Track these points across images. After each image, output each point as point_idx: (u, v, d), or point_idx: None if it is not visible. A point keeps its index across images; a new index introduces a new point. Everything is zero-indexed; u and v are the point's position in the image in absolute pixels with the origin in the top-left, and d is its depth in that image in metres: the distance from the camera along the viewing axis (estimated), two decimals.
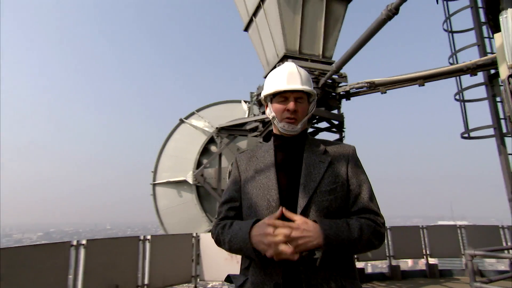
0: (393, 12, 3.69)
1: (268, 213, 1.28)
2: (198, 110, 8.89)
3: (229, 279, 1.44)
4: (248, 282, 1.31)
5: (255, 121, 7.02)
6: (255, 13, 7.09)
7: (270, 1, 6.45)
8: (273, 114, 1.42)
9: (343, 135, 6.47)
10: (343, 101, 6.78)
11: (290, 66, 1.45)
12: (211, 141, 8.31)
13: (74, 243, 4.68)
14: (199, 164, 8.12)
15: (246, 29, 7.70)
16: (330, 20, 6.51)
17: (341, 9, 6.62)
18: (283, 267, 1.24)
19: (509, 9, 2.44)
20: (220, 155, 7.71)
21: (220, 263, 5.96)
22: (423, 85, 6.23)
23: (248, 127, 7.42)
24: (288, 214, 1.21)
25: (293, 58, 6.23)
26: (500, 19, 2.92)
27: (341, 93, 6.43)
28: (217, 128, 7.69)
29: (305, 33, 6.40)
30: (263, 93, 1.48)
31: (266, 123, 6.76)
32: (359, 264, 7.82)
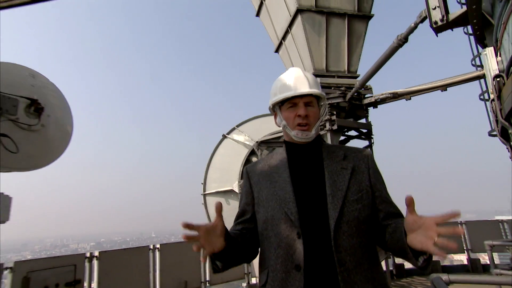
0: (402, 41, 4.35)
1: (286, 227, 1.22)
2: (238, 125, 9.86)
3: None
4: None
5: None
6: (284, 37, 7.92)
7: (297, 27, 7.25)
8: (284, 122, 1.38)
9: (372, 141, 7.07)
10: (371, 108, 7.39)
11: (295, 71, 1.41)
12: (252, 153, 9.22)
13: (151, 247, 5.76)
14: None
15: (276, 51, 8.55)
16: (353, 38, 7.17)
17: (362, 26, 7.25)
18: (305, 277, 1.16)
19: (487, 48, 2.98)
20: None
21: None
22: (446, 90, 6.68)
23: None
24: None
25: (321, 76, 6.97)
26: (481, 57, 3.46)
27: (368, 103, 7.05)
28: (256, 142, 8.60)
29: (330, 52, 7.11)
30: (271, 102, 1.43)
31: None
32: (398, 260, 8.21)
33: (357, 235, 1.19)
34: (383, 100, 7.12)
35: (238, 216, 1.42)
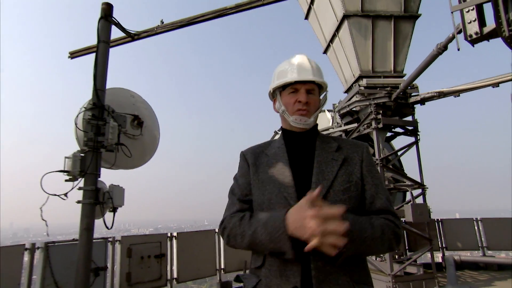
0: (442, 49, 4.72)
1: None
2: None
3: (238, 279, 1.37)
4: (261, 284, 1.21)
5: (339, 131, 8.36)
6: (331, 40, 8.40)
7: (344, 31, 7.70)
8: (283, 107, 1.36)
9: (418, 138, 7.34)
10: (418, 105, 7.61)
11: (300, 57, 1.39)
12: None
13: (216, 230, 6.80)
14: None
15: (325, 52, 9.06)
16: (399, 39, 7.44)
17: (409, 27, 7.47)
18: (302, 268, 1.14)
19: None
20: None
21: None
22: (498, 86, 6.70)
23: (332, 135, 8.77)
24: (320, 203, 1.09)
25: (368, 77, 7.38)
26: None
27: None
28: None
29: (377, 54, 7.47)
30: (272, 86, 1.41)
31: (348, 132, 8.04)
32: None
33: None
34: (430, 97, 7.32)
35: (239, 194, 1.36)
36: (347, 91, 8.39)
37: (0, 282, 3.90)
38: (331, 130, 8.67)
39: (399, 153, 7.86)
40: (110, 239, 5.20)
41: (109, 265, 5.01)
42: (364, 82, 7.36)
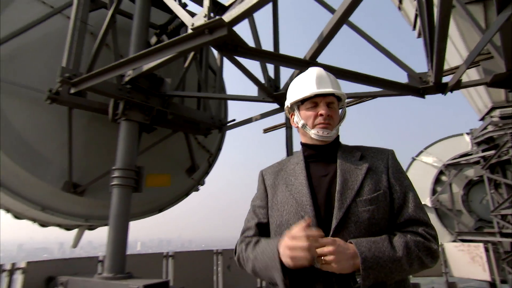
0: None
1: None
2: (425, 148, 11.46)
3: None
4: None
5: (477, 157, 8.99)
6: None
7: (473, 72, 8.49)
8: (302, 121, 1.30)
9: None
10: None
11: (317, 70, 1.34)
12: (441, 172, 10.63)
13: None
14: (434, 191, 10.64)
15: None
16: None
17: None
18: None
19: None
20: (450, 184, 9.99)
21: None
22: None
23: (471, 160, 9.37)
24: (322, 240, 1.04)
25: (501, 107, 7.95)
26: None
27: None
28: (443, 164, 10.08)
29: None
30: (289, 101, 1.36)
31: (486, 159, 8.62)
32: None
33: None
34: None
35: (253, 218, 1.35)
36: (482, 119, 8.93)
37: None
38: (469, 157, 9.33)
39: None
40: None
41: None
42: (497, 113, 7.95)
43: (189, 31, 2.19)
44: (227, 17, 2.04)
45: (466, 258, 7.07)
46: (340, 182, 1.18)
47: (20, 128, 3.51)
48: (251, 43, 2.97)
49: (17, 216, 4.46)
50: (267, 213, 1.32)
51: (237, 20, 2.02)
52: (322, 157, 1.31)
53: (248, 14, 1.99)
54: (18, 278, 3.06)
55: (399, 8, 9.83)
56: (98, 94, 3.19)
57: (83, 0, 3.31)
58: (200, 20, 2.14)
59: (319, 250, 1.03)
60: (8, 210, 4.37)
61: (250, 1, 1.93)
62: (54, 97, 3.22)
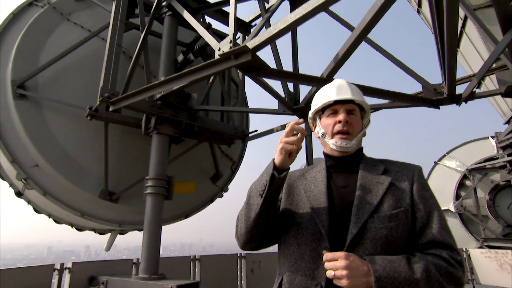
0: None
1: (313, 239, 1.13)
2: (448, 152, 11.26)
3: None
4: None
5: (503, 161, 8.80)
6: (482, 78, 9.05)
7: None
8: (322, 130, 1.30)
9: None
10: None
11: (338, 81, 1.35)
12: (465, 176, 10.42)
13: None
14: (458, 196, 10.43)
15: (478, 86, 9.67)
16: None
17: None
18: None
19: None
20: (475, 189, 9.75)
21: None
22: None
23: (497, 165, 9.16)
24: (330, 255, 1.03)
25: None
26: None
27: None
28: (467, 169, 9.89)
29: None
30: (311, 112, 1.38)
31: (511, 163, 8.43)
32: None
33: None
34: None
35: None
36: (507, 122, 8.75)
37: None
38: (494, 162, 9.13)
39: None
40: None
41: None
42: None
43: (216, 56, 2.43)
44: (251, 44, 2.26)
45: (494, 265, 6.94)
46: (359, 195, 1.14)
47: (62, 141, 3.88)
48: (271, 60, 3.16)
49: (58, 221, 4.86)
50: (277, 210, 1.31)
51: (260, 47, 2.24)
52: (344, 168, 1.28)
53: (270, 41, 2.21)
54: (66, 276, 3.41)
55: (418, 12, 9.88)
56: (132, 110, 3.50)
57: (118, 26, 3.64)
58: (226, 46, 2.38)
59: (330, 265, 1.01)
60: (49, 215, 4.78)
61: (272, 30, 2.15)
62: (93, 114, 3.56)
